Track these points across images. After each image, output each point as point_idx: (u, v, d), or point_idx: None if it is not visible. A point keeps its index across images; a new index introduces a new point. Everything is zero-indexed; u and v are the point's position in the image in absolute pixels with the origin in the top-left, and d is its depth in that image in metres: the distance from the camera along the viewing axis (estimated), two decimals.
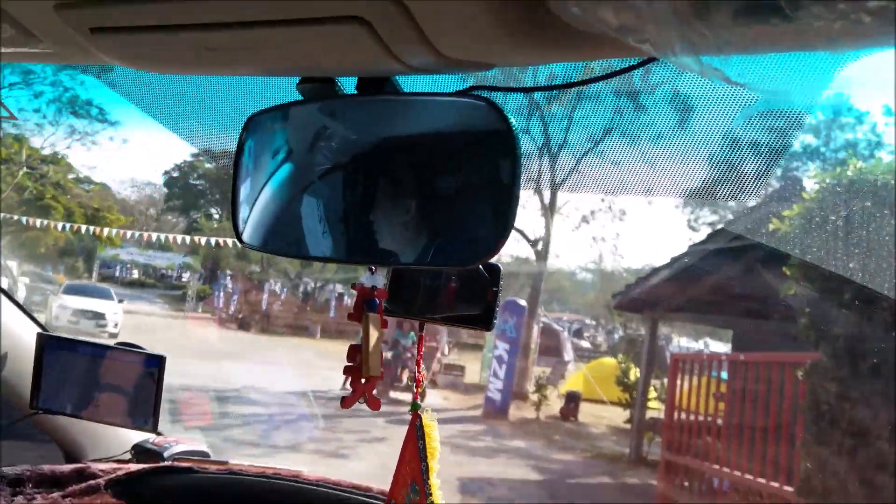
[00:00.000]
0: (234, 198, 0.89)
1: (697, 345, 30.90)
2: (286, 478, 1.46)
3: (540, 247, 16.61)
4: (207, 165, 47.25)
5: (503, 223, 0.74)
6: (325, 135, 0.87)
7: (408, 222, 0.82)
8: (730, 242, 10.18)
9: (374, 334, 0.89)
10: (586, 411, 15.64)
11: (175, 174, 47.38)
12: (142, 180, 50.74)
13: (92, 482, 1.45)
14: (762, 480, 5.54)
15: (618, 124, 1.45)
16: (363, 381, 0.90)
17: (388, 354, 15.08)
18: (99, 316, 19.41)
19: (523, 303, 14.64)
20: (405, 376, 15.02)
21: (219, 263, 37.95)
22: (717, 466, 6.24)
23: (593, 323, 44.68)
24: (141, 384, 1.70)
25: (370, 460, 9.36)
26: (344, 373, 0.90)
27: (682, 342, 29.02)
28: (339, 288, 40.83)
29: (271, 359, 20.34)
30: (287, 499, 1.41)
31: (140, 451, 1.78)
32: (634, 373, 13.49)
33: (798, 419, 5.15)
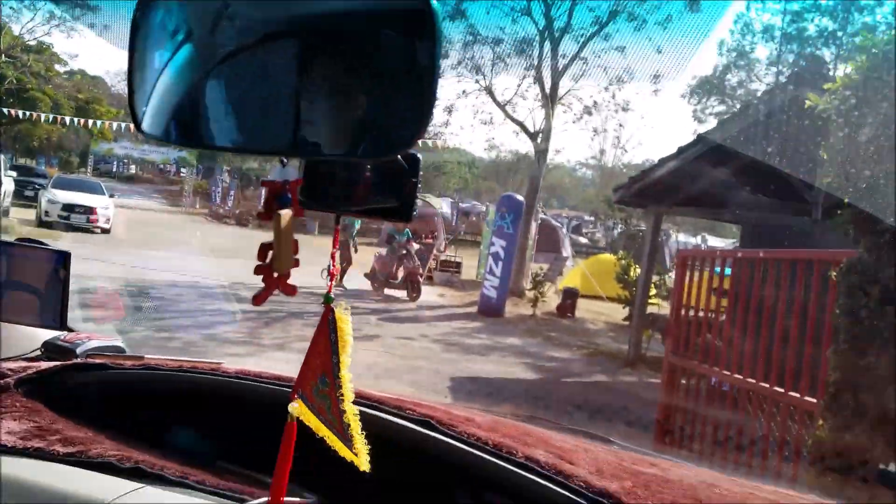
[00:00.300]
0: (130, 83, 0.82)
1: (695, 240, 30.40)
2: (205, 371, 1.40)
3: (539, 140, 15.58)
4: None
5: (422, 112, 0.70)
6: (227, 13, 0.77)
7: (319, 109, 0.76)
8: (740, 132, 9.28)
9: (285, 231, 0.83)
10: (584, 308, 15.13)
11: None
12: None
13: (0, 381, 1.40)
14: (780, 389, 4.91)
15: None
16: (275, 275, 0.84)
17: (381, 251, 14.42)
18: (89, 211, 18.66)
19: (520, 198, 13.81)
20: (401, 273, 14.42)
21: (215, 158, 36.97)
22: (727, 372, 5.59)
23: (592, 219, 44.12)
24: (47, 281, 1.64)
25: (357, 360, 8.82)
26: (255, 272, 0.82)
27: (680, 238, 28.37)
28: None
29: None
30: (206, 391, 1.36)
31: (51, 349, 1.67)
32: (634, 269, 12.87)
33: (826, 324, 4.45)
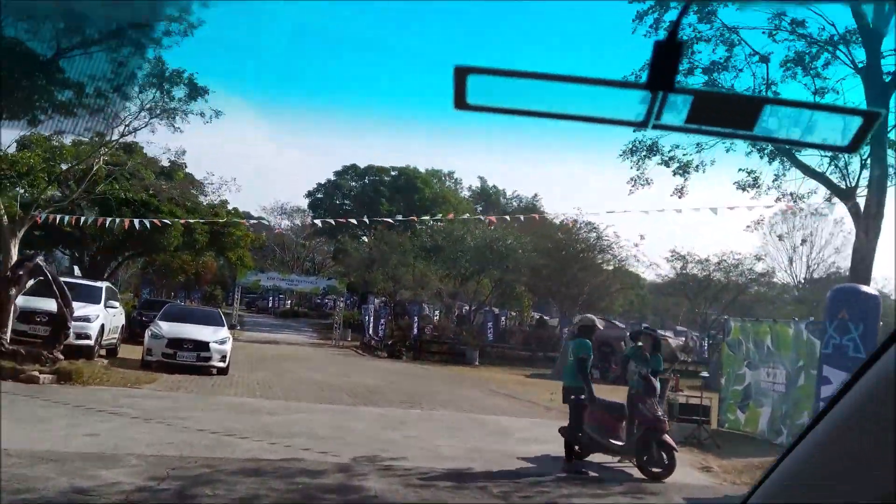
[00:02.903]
0: None
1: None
2: None
3: (865, 194, 8.47)
4: (352, 184, 42.50)
5: None
6: None
7: None
8: None
9: None
10: None
11: (320, 195, 42.96)
12: (291, 206, 46.72)
13: None
14: None
15: None
16: None
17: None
18: (201, 346, 13.58)
19: (874, 292, 6.99)
20: (624, 428, 7.97)
21: (367, 286, 32.63)
22: None
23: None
24: None
25: None
26: None
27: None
28: (496, 310, 34.14)
29: (418, 396, 13.70)
30: None
31: None
32: None
33: None
